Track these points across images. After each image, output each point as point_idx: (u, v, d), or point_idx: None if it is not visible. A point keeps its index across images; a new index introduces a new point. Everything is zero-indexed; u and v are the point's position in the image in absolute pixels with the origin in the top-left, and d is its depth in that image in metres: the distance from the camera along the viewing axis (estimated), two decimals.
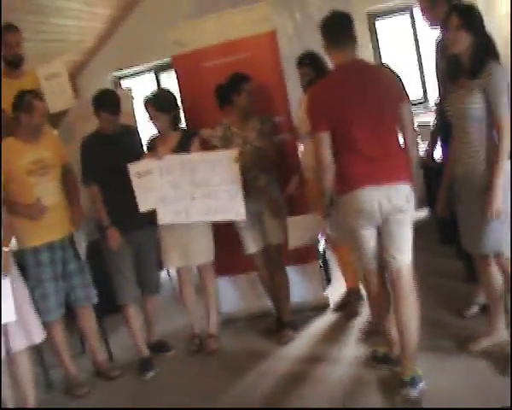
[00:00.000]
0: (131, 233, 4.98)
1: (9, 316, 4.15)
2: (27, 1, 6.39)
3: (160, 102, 4.93)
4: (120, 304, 5.09)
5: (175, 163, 4.84)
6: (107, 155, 4.90)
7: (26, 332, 4.33)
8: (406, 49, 7.95)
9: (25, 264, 4.70)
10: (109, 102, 4.95)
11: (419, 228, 4.26)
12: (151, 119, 4.95)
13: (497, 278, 3.91)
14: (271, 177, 4.97)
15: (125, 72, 8.97)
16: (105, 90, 5.14)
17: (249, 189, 4.87)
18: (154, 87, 8.75)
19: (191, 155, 4.86)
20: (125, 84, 8.95)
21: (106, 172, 4.89)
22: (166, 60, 7.90)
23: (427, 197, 4.44)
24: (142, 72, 9.03)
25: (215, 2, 6.92)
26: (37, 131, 4.71)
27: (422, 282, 4.07)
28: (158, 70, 8.88)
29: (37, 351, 4.84)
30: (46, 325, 4.63)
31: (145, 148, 5.16)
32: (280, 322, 5.09)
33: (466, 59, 3.67)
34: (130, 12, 8.57)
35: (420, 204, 4.19)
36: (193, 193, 4.85)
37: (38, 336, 4.42)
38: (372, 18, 7.95)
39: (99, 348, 5.16)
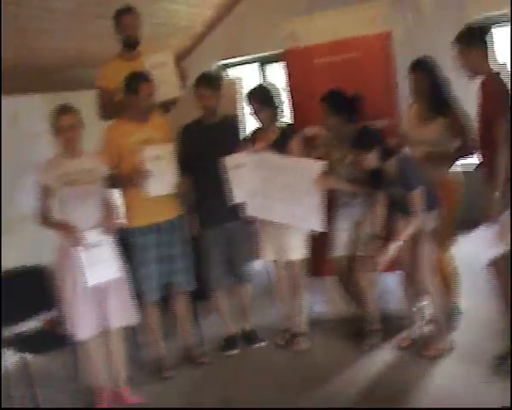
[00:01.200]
0: (224, 224, 5.03)
1: (114, 273, 4.35)
2: None
3: (263, 96, 4.93)
4: (209, 290, 5.19)
5: (267, 161, 4.85)
6: (204, 145, 4.94)
7: (125, 312, 4.45)
8: None
9: (131, 244, 4.81)
10: (209, 77, 5.02)
11: None
12: (254, 112, 4.95)
13: None
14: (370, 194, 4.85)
15: (231, 61, 9.02)
16: (205, 71, 5.14)
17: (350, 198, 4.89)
18: (259, 79, 8.79)
19: (281, 156, 4.84)
20: (230, 72, 9.00)
21: (202, 162, 4.93)
22: (273, 52, 7.93)
23: None
24: (247, 62, 9.05)
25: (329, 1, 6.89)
26: (146, 112, 4.79)
27: None
28: (263, 62, 8.88)
29: (130, 329, 4.91)
30: (144, 305, 4.74)
31: (245, 140, 5.18)
32: (366, 329, 5.03)
33: None
34: (240, 1, 8.60)
35: None
36: (279, 194, 4.85)
37: (135, 317, 4.53)
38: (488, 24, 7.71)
39: (191, 333, 5.22)
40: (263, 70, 8.96)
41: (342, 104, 4.78)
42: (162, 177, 4.71)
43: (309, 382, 4.58)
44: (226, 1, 8.41)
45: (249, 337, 5.33)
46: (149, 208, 4.75)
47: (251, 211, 4.95)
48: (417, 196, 4.37)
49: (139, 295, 4.71)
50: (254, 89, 5.03)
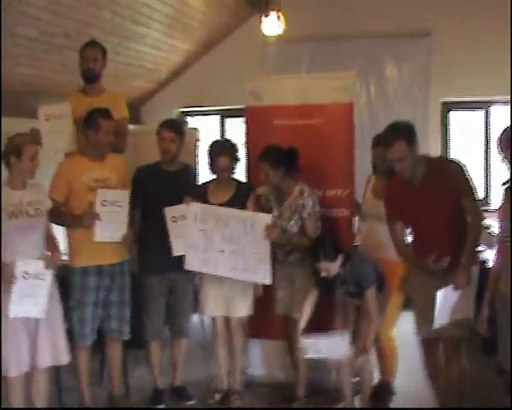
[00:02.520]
0: (168, 273, 4.92)
1: (38, 313, 4.16)
2: (110, 22, 6.52)
3: (225, 148, 4.86)
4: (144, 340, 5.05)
5: (210, 213, 4.78)
6: (160, 191, 4.85)
7: (55, 351, 4.31)
8: (476, 145, 7.89)
9: (70, 283, 4.68)
10: (174, 123, 5.01)
11: None
12: (212, 163, 4.85)
13: None
14: (306, 254, 4.78)
15: (192, 109, 9.00)
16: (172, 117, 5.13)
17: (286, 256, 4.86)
18: (218, 131, 8.85)
19: (226, 209, 4.78)
20: (189, 121, 8.99)
21: (153, 207, 4.83)
22: (234, 107, 7.95)
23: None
24: (208, 113, 9.06)
25: (295, 64, 6.98)
26: (104, 150, 4.71)
27: None
28: (224, 115, 8.91)
29: (55, 371, 4.76)
30: (75, 349, 4.61)
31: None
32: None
33: None
34: (207, 52, 8.65)
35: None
36: (222, 247, 4.76)
37: (65, 357, 4.40)
38: (446, 108, 7.89)
39: (118, 383, 5.04)
40: (223, 123, 8.96)
41: (279, 159, 4.75)
42: (111, 223, 4.60)
43: None
44: (194, 49, 8.44)
45: (178, 393, 5.17)
46: (93, 250, 4.62)
47: (192, 265, 4.82)
48: (372, 294, 4.43)
49: (71, 337, 4.56)
50: (217, 142, 4.98)
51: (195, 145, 5.78)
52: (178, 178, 4.95)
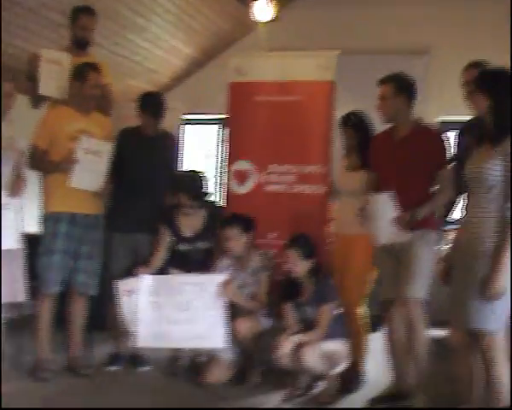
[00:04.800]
0: (133, 232, 4.89)
1: (10, 243, 4.19)
2: (111, 8, 6.54)
3: (192, 187, 4.84)
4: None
5: (162, 284, 4.68)
6: (137, 154, 4.90)
7: (11, 288, 4.25)
8: None
9: (41, 229, 4.69)
10: (154, 103, 4.97)
11: None
12: (182, 205, 4.82)
13: None
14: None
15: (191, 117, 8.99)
16: (151, 91, 5.16)
17: None
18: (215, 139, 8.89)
19: (179, 276, 4.73)
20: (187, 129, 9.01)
21: (129, 169, 4.87)
22: None
23: None
24: (207, 121, 9.09)
25: None
26: (89, 102, 4.76)
27: None
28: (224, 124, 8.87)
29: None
30: (39, 297, 4.62)
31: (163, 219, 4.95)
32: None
33: (488, 124, 3.51)
34: (211, 59, 8.67)
35: None
36: (176, 317, 4.61)
37: (22, 295, 4.34)
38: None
39: (79, 341, 4.89)
40: (223, 132, 8.93)
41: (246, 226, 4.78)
42: (89, 172, 4.61)
43: None
44: (197, 55, 8.48)
45: (135, 358, 5.01)
46: (68, 197, 4.62)
47: (144, 342, 4.63)
48: (327, 311, 4.35)
49: (36, 285, 4.58)
50: (180, 177, 5.03)
51: (178, 122, 5.77)
52: (158, 143, 4.99)
